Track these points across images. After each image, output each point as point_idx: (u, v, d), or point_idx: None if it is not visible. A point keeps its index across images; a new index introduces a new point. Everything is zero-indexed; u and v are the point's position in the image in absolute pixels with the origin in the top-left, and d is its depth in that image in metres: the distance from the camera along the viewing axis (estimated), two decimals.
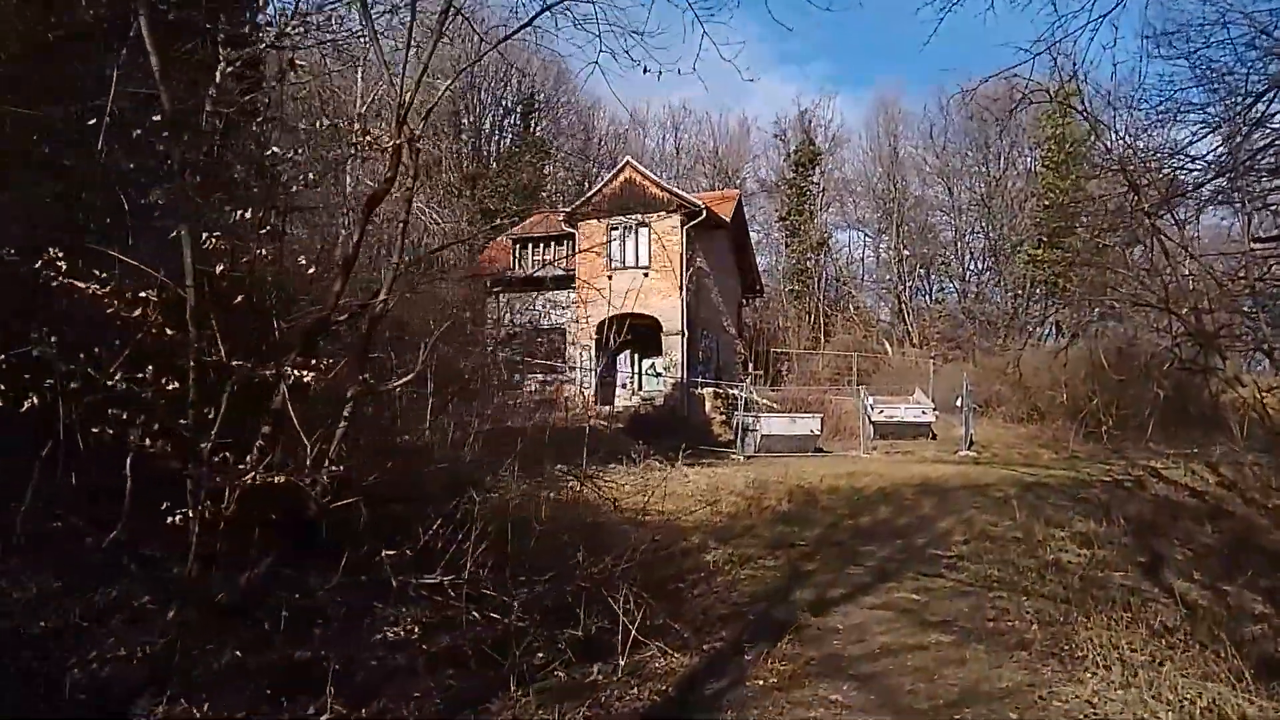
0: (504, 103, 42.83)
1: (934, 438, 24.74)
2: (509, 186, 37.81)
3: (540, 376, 27.37)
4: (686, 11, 5.98)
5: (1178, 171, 8.18)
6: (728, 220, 28.00)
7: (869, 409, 24.36)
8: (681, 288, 25.43)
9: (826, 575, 8.17)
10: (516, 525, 6.03)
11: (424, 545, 4.97)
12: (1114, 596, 7.14)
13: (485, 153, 41.57)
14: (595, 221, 26.46)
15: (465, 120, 40.69)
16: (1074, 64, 6.81)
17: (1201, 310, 8.10)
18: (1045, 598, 7.02)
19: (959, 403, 23.72)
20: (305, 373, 3.44)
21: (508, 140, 42.81)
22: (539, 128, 42.80)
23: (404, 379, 3.58)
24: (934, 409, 25.24)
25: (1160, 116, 8.30)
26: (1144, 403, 19.73)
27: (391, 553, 4.60)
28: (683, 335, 25.44)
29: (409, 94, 3.82)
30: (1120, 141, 8.21)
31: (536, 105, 43.03)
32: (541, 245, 28.75)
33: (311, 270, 3.53)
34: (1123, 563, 8.76)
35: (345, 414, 3.71)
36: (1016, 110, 8.26)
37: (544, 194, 39.83)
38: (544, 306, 27.88)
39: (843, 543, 10.06)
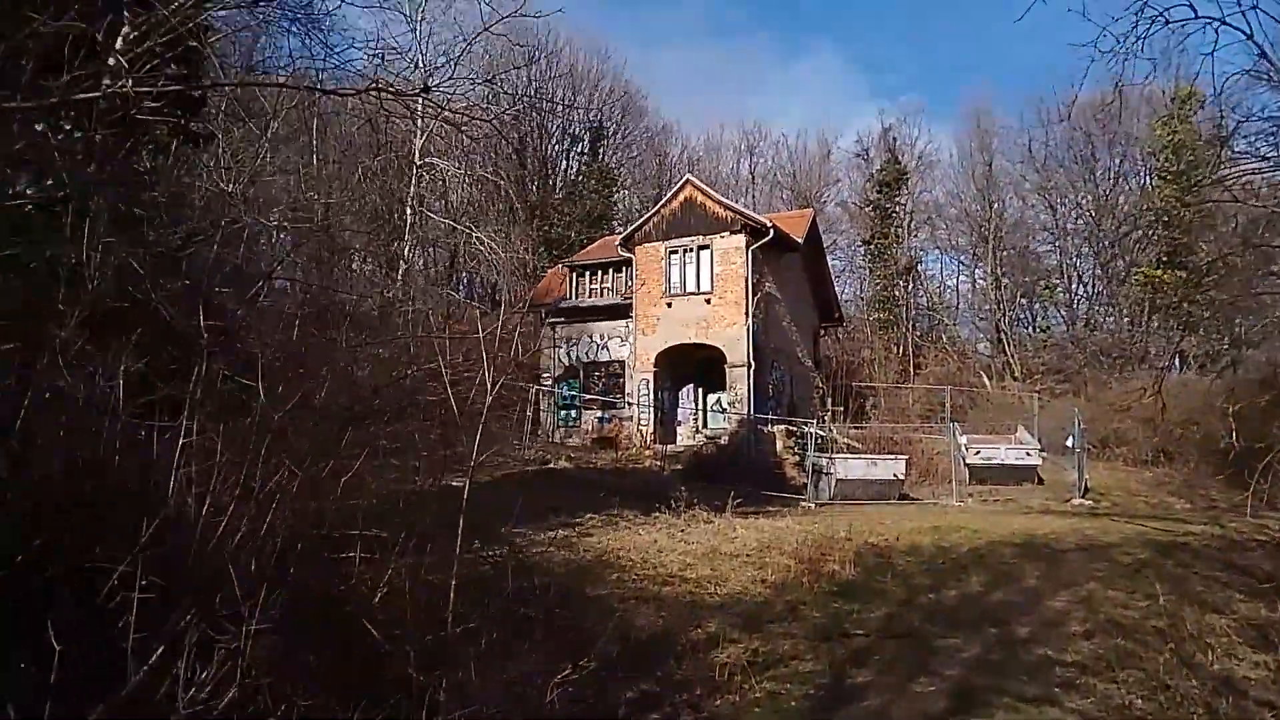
0: (571, 131, 41.69)
1: (1040, 483, 21.64)
2: (574, 214, 36.37)
3: (598, 413, 25.51)
4: None
5: None
6: (800, 241, 25.57)
7: (963, 449, 21.43)
8: (747, 314, 23.05)
9: (881, 695, 5.71)
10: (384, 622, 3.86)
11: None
12: None
13: (551, 182, 40.33)
14: (653, 244, 24.44)
15: (530, 149, 39.64)
16: None
17: None
18: None
19: (1070, 442, 20.71)
20: None
21: (575, 169, 41.53)
22: (607, 155, 41.38)
23: None
24: (1040, 450, 22.07)
25: None
26: None
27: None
28: (748, 367, 23.01)
29: None
30: None
31: (605, 134, 41.68)
32: (600, 272, 26.88)
33: None
34: None
35: None
36: (1149, 35, 5.78)
37: (614, 221, 38.31)
38: (602, 338, 26.09)
39: (915, 632, 7.52)
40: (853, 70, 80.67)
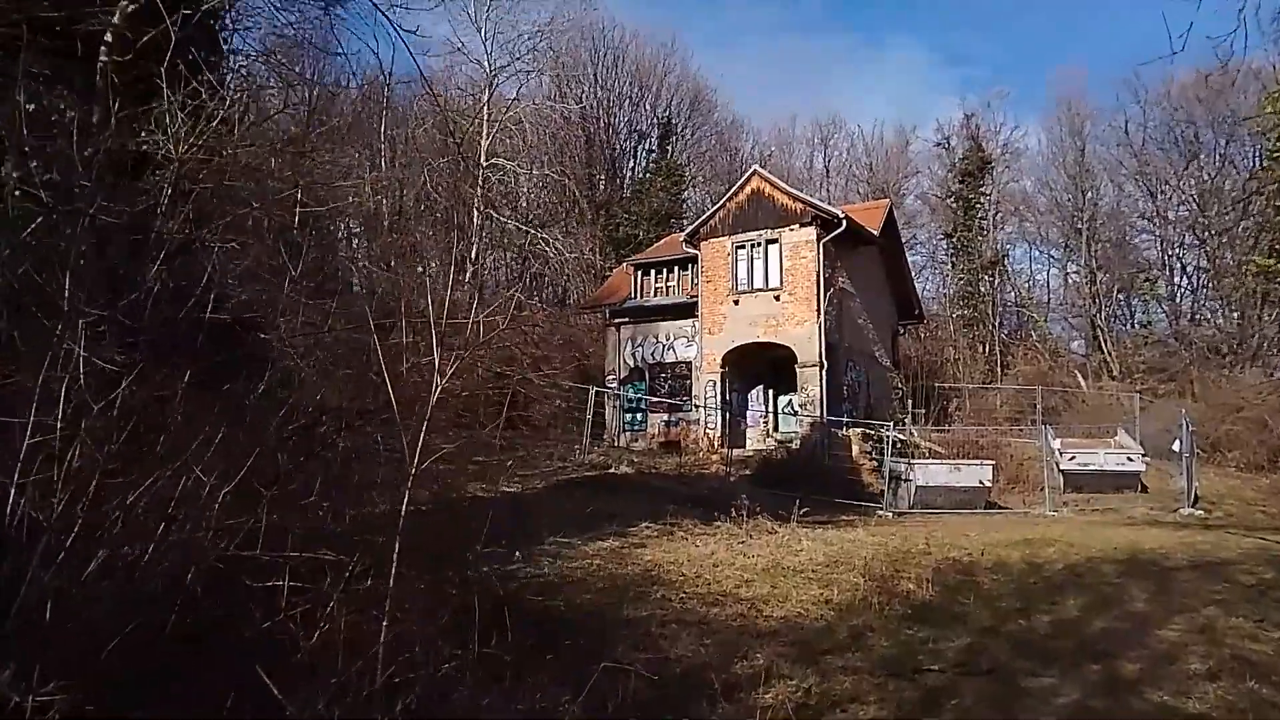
0: (639, 128, 41.05)
1: (1143, 491, 19.94)
2: (641, 213, 35.66)
3: (664, 416, 24.74)
4: None
5: None
6: (876, 233, 24.24)
7: (1057, 454, 19.90)
8: (819, 311, 21.88)
9: None
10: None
11: None
12: None
13: (619, 181, 39.75)
14: (719, 240, 23.49)
15: (600, 147, 39.17)
16: None
17: None
18: None
19: (1176, 446, 18.99)
20: None
21: (643, 167, 40.86)
22: (676, 152, 40.58)
23: None
24: (1143, 455, 20.31)
25: None
26: None
27: None
28: (821, 367, 21.82)
29: None
30: None
31: (674, 130, 40.88)
32: (665, 270, 26.05)
33: None
34: None
35: None
36: None
37: (683, 219, 37.59)
38: (668, 338, 25.32)
39: (1001, 668, 6.45)
40: (935, 65, 78.22)
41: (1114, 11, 71.55)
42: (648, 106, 40.51)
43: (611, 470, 18.92)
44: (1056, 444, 20.35)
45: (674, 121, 40.91)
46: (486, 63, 33.48)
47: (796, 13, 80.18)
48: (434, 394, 3.01)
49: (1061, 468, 19.76)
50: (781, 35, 77.08)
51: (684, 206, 38.67)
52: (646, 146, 41.22)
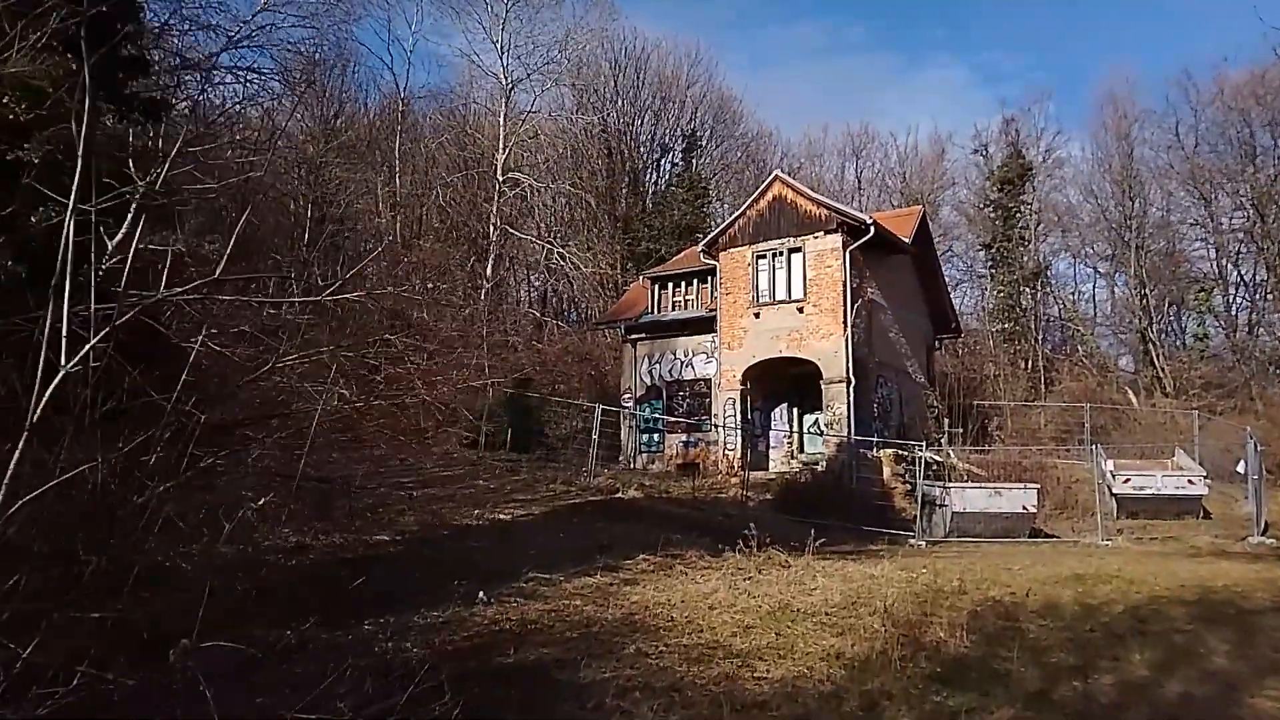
0: (662, 140, 40.06)
1: (1206, 517, 18.20)
2: (663, 227, 34.54)
3: (683, 437, 23.43)
4: None
5: None
6: (908, 241, 22.77)
7: (1109, 477, 18.26)
8: (846, 324, 20.42)
9: None
10: None
11: None
12: None
13: (640, 194, 38.72)
14: (739, 249, 22.17)
15: (621, 160, 38.20)
16: None
17: None
18: None
19: (1241, 467, 17.34)
20: None
21: (667, 180, 39.89)
22: (701, 164, 39.45)
23: None
24: (1205, 477, 18.56)
25: None
26: None
27: None
28: (848, 383, 20.32)
29: None
30: None
31: (698, 142, 39.82)
32: (683, 283, 24.79)
33: None
34: None
35: None
36: None
37: (707, 233, 36.48)
38: (686, 354, 24.06)
39: None
40: (975, 84, 76.52)
41: (1159, 21, 69.35)
42: (671, 118, 39.60)
43: (619, 494, 17.65)
44: (1109, 465, 18.75)
45: (698, 134, 39.93)
46: (503, 76, 32.74)
47: (836, 35, 79.07)
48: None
49: (1114, 491, 18.17)
50: (820, 57, 75.97)
51: (708, 221, 37.49)
52: (670, 159, 40.33)
